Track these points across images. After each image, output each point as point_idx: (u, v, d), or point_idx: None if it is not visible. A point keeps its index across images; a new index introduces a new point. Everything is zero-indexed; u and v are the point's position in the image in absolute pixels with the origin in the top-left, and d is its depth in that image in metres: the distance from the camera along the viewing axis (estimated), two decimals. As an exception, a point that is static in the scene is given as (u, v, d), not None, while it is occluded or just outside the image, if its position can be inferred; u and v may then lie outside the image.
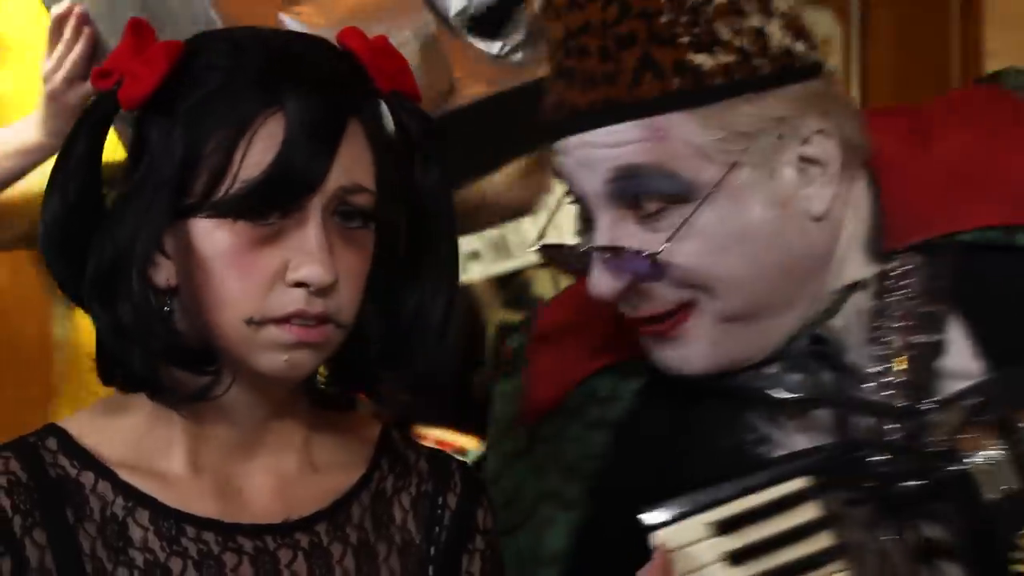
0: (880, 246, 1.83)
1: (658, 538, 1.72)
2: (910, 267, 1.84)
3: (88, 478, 1.69)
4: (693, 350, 1.81)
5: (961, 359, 1.80)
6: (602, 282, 1.78)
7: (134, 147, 1.70)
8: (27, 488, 1.67)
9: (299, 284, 1.64)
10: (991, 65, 5.46)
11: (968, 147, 1.86)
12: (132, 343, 1.67)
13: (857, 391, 1.82)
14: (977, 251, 1.82)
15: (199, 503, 1.70)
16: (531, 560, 1.94)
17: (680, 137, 1.73)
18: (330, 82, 1.67)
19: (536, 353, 1.98)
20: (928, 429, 1.75)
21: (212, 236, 1.66)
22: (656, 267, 1.75)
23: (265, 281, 1.65)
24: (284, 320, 1.65)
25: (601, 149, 1.75)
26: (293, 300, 1.65)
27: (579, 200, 1.82)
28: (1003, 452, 1.69)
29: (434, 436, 3.83)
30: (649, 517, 1.74)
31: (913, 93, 5.34)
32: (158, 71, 1.67)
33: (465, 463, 1.87)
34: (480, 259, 4.15)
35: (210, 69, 1.67)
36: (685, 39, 1.74)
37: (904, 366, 1.81)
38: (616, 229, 1.77)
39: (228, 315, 1.66)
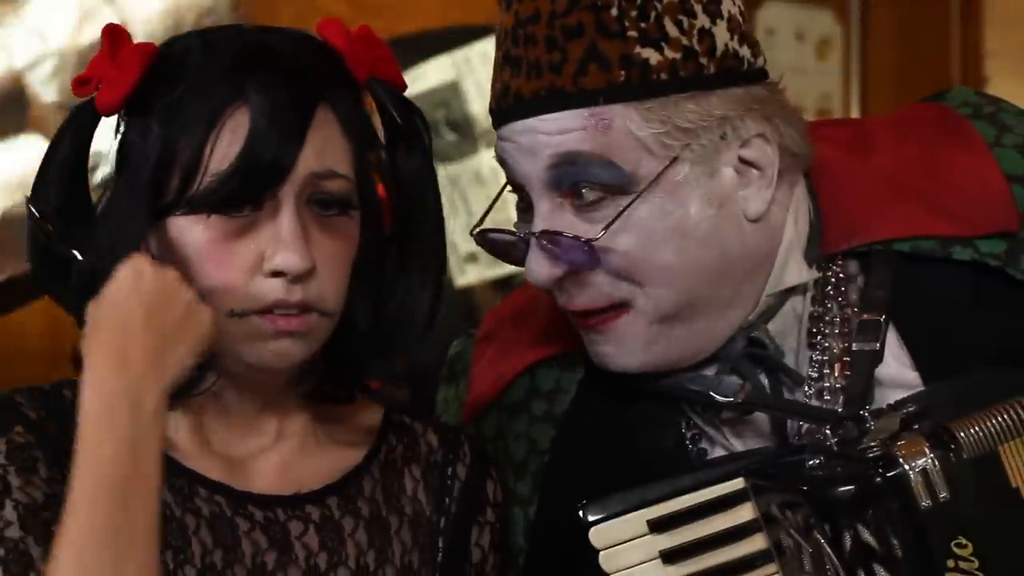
0: (819, 251, 1.84)
1: (595, 534, 1.72)
2: (848, 274, 1.85)
3: None
4: (626, 348, 1.81)
5: (896, 368, 1.81)
6: (539, 268, 1.78)
7: (119, 152, 1.73)
8: (50, 427, 1.69)
9: (276, 273, 1.65)
10: (991, 65, 5.45)
11: (907, 160, 1.87)
12: None
13: (794, 395, 1.82)
14: (914, 261, 1.82)
15: (210, 471, 1.72)
16: None
17: (622, 128, 1.74)
18: (296, 71, 1.69)
19: (479, 353, 1.99)
20: (865, 436, 1.74)
21: (189, 232, 1.67)
22: (592, 255, 1.75)
23: (243, 273, 1.66)
24: (266, 311, 1.66)
25: (544, 135, 1.76)
26: (272, 289, 1.66)
27: (518, 187, 1.82)
28: (938, 461, 1.69)
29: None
30: (587, 513, 1.74)
31: (913, 93, 5.30)
32: (132, 74, 1.69)
33: (473, 436, 1.89)
34: (477, 262, 4.15)
35: (183, 67, 1.69)
36: (633, 33, 1.75)
37: (842, 372, 1.81)
38: (554, 217, 1.78)
39: (211, 308, 1.66)
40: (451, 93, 4.18)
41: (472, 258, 4.14)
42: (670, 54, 1.75)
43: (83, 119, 1.73)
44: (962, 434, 1.69)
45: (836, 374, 1.81)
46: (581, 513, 1.73)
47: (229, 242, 1.66)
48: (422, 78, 4.15)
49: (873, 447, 1.71)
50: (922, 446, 1.69)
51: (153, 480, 1.58)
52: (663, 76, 1.75)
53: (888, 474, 1.69)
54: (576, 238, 1.75)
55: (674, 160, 1.74)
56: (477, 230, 1.85)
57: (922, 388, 1.79)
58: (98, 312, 1.64)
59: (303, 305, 1.67)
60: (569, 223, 1.77)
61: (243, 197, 1.66)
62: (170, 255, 1.68)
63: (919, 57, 5.38)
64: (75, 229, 1.71)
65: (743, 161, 1.79)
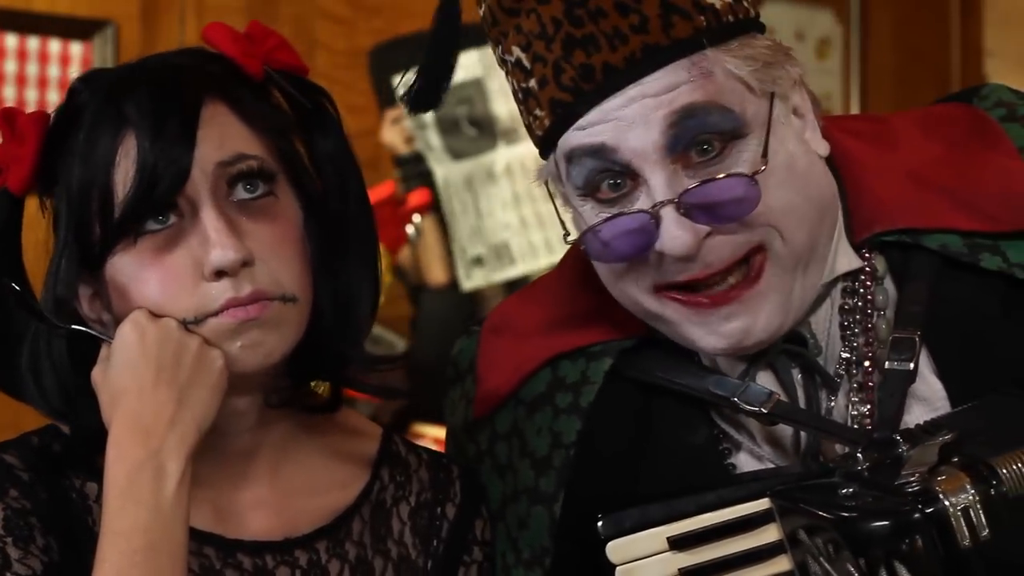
0: (852, 239, 1.81)
1: (612, 549, 1.70)
2: (874, 270, 1.81)
3: (92, 489, 1.68)
4: (765, 312, 1.74)
5: (925, 382, 1.77)
6: (683, 232, 1.70)
7: (53, 231, 1.70)
8: (40, 490, 1.66)
9: (218, 274, 1.63)
10: (991, 64, 5.47)
11: (933, 157, 1.85)
12: (68, 417, 1.68)
13: (825, 402, 1.79)
14: (945, 271, 1.79)
15: (198, 519, 1.68)
16: (504, 568, 1.86)
17: (723, 71, 1.72)
18: (171, 79, 1.67)
19: (487, 345, 1.93)
20: (900, 464, 1.69)
21: (124, 265, 1.65)
22: (756, 188, 1.70)
23: (184, 280, 1.63)
24: (221, 312, 1.63)
25: (652, 98, 1.70)
26: (221, 291, 1.63)
27: (615, 172, 1.74)
28: (979, 498, 1.61)
29: (432, 435, 3.82)
30: (605, 527, 1.71)
31: (913, 93, 5.35)
32: (32, 144, 1.67)
33: (468, 470, 1.86)
34: (483, 265, 4.14)
35: (77, 115, 1.67)
36: None
37: (867, 378, 1.77)
38: (675, 183, 1.71)
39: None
40: (475, 90, 4.15)
41: (478, 261, 4.14)
42: None
43: (1, 209, 1.69)
44: (1004, 471, 1.62)
45: (862, 378, 1.78)
46: (599, 526, 1.70)
47: (162, 257, 1.63)
48: (448, 72, 4.14)
49: (912, 481, 1.64)
50: (963, 481, 1.61)
51: (180, 545, 1.57)
52: (730, 18, 1.74)
53: (927, 510, 1.61)
54: (737, 175, 1.70)
55: (772, 97, 1.74)
56: (583, 232, 1.75)
57: (948, 402, 1.76)
58: (108, 379, 1.62)
59: (256, 296, 1.63)
60: (687, 186, 1.71)
61: (153, 206, 1.63)
62: (115, 296, 1.66)
63: (919, 57, 5.40)
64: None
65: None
